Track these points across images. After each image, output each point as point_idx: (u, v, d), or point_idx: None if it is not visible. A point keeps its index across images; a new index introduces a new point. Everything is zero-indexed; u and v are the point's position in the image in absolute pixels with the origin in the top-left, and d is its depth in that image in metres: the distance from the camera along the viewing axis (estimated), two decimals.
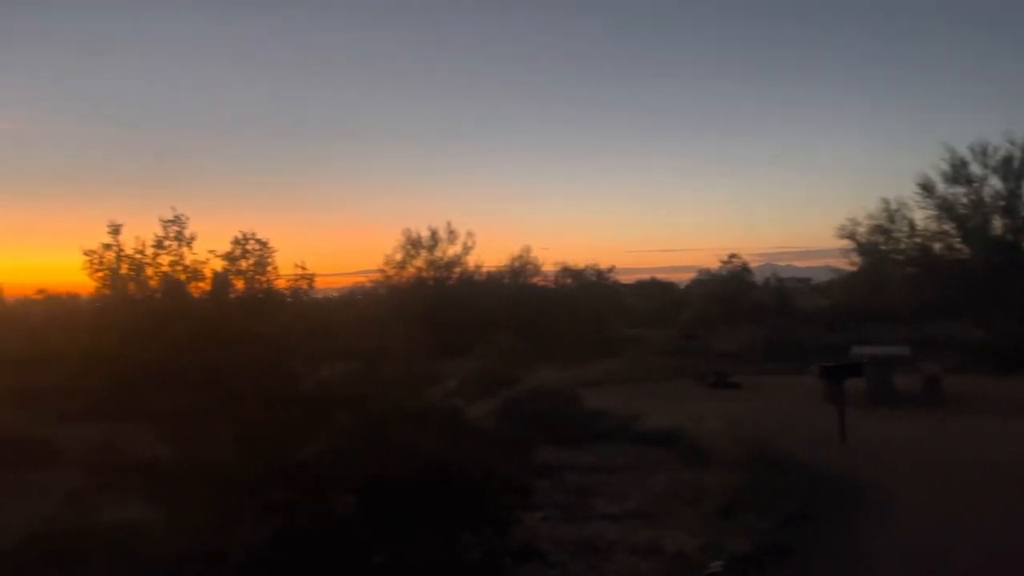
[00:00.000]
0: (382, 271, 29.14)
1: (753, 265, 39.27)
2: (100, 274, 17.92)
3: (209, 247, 18.11)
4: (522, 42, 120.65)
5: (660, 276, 52.53)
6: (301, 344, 13.13)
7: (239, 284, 18.27)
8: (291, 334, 13.27)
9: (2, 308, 38.66)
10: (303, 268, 18.78)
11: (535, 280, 32.84)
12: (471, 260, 29.89)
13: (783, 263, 79.53)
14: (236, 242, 18.24)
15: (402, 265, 28.56)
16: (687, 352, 25.56)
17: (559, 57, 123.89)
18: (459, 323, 24.54)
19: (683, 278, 50.04)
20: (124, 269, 17.84)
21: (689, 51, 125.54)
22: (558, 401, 14.00)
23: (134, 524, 6.01)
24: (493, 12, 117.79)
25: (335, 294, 37.72)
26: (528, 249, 32.57)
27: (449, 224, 29.12)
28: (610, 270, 37.61)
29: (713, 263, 38.36)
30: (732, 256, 36.38)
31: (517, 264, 31.97)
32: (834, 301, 34.22)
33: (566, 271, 35.26)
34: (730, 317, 30.16)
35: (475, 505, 6.67)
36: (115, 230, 17.52)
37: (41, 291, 34.18)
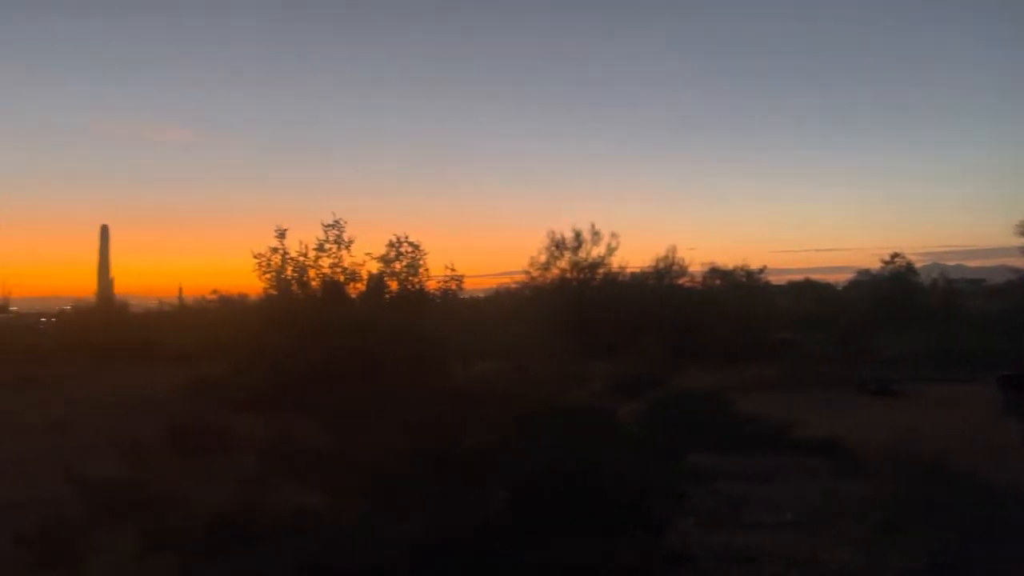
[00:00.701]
0: (527, 272, 29.43)
1: (918, 265, 36.81)
2: (267, 275, 19.23)
3: (366, 250, 19.08)
4: (664, 42, 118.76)
5: (815, 277, 50.23)
6: (454, 342, 13.50)
7: (393, 285, 19.09)
8: (444, 332, 13.67)
9: (182, 308, 42.25)
10: (452, 269, 19.44)
11: (681, 281, 32.15)
12: (615, 261, 29.66)
13: (952, 263, 73.76)
14: (390, 245, 19.11)
15: (546, 266, 28.73)
16: (845, 357, 24.24)
17: (701, 55, 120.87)
18: (603, 324, 24.44)
19: (840, 279, 47.72)
20: (289, 271, 19.06)
21: (848, 47, 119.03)
22: (707, 405, 13.66)
23: (306, 509, 6.40)
24: (633, 13, 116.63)
25: (481, 295, 38.59)
26: (674, 249, 31.95)
27: (593, 225, 29.03)
28: (761, 270, 36.26)
29: (873, 263, 36.23)
30: (895, 255, 34.24)
31: (662, 265, 31.42)
32: (1012, 304, 31.39)
33: (714, 272, 34.31)
34: (892, 320, 28.35)
35: (628, 508, 6.62)
36: (281, 234, 18.79)
37: (215, 292, 37.12)
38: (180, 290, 45.12)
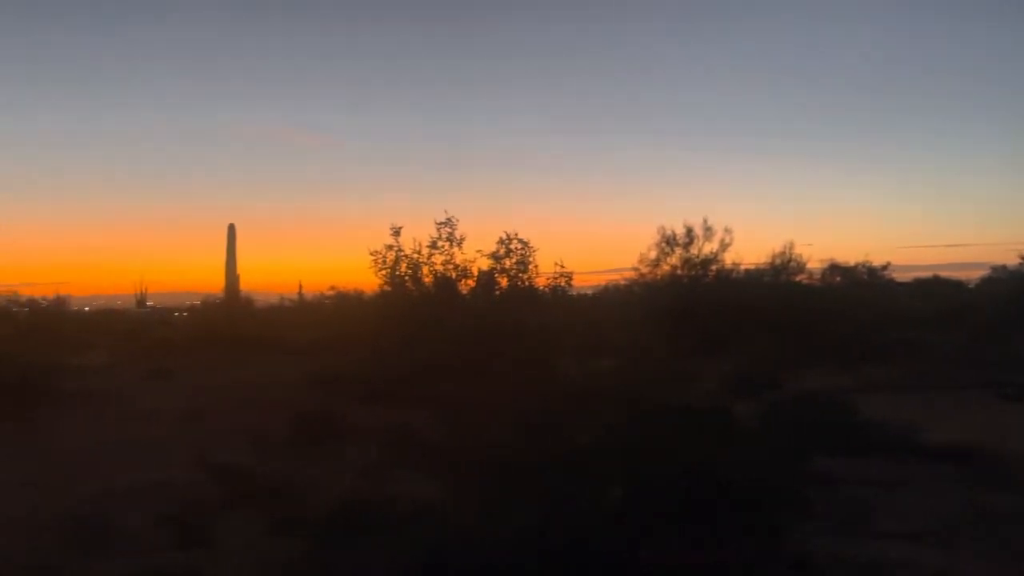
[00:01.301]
0: (636, 269, 29.01)
1: None
2: (383, 272, 19.75)
3: (477, 247, 19.30)
4: (778, 35, 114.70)
5: (944, 274, 47.31)
6: (565, 339, 13.49)
7: (503, 282, 19.23)
8: (555, 329, 13.68)
9: (301, 303, 44.05)
10: (562, 266, 19.40)
11: (799, 278, 30.96)
12: (728, 257, 28.83)
13: None
14: (500, 242, 19.24)
15: (656, 263, 28.21)
16: (979, 359, 22.71)
17: (818, 48, 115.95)
18: (716, 322, 23.85)
19: (972, 276, 44.85)
20: (403, 268, 19.51)
21: (975, 38, 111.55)
22: (829, 407, 13.09)
23: (424, 501, 6.54)
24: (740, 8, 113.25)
25: (589, 292, 38.39)
26: (790, 245, 30.79)
27: (705, 220, 28.31)
28: (884, 267, 34.48)
29: (1010, 259, 33.75)
30: None
31: (778, 261, 30.34)
32: None
33: (834, 268, 32.87)
34: None
35: (747, 510, 6.43)
36: (396, 232, 19.24)
37: (332, 288, 38.51)
38: (300, 286, 47.03)
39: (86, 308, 57.69)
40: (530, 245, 19.12)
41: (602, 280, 41.23)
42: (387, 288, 19.88)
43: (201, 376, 20.94)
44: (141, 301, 56.42)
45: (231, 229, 38.13)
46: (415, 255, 19.20)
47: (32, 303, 39.16)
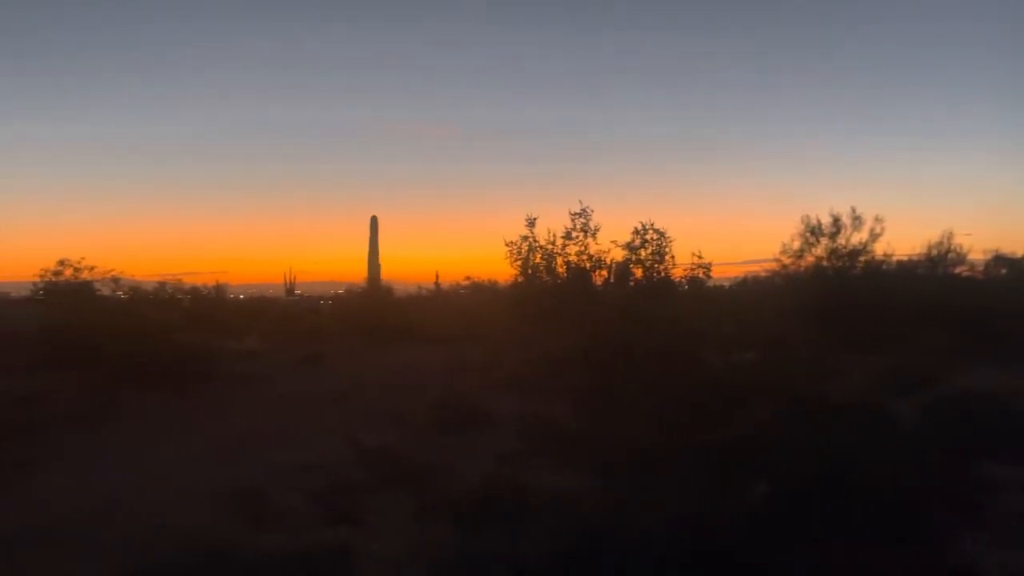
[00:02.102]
0: (777, 260, 27.88)
1: None
2: (517, 263, 19.96)
3: (611, 237, 19.16)
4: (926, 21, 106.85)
5: None
6: (703, 331, 13.17)
7: (638, 272, 19.00)
8: (693, 321, 13.38)
9: (438, 293, 45.21)
10: (699, 256, 18.94)
11: (958, 270, 28.85)
12: (879, 248, 27.19)
13: None
14: (636, 232, 19.01)
15: (800, 254, 27.01)
16: None
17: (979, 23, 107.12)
18: (865, 316, 22.58)
19: None
20: (537, 258, 19.64)
21: None
22: (992, 408, 12.12)
23: (565, 490, 6.57)
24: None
25: (726, 284, 37.27)
26: (949, 235, 28.73)
27: (854, 209, 26.81)
28: None
29: None
30: None
31: (935, 252, 28.39)
32: None
33: (999, 260, 30.44)
34: None
35: (904, 515, 6.07)
36: (531, 223, 19.39)
37: (468, 278, 39.34)
38: (437, 276, 48.24)
39: (241, 296, 61.54)
40: (666, 235, 18.81)
41: (741, 272, 39.89)
42: (521, 279, 20.08)
43: (346, 361, 21.90)
44: (290, 289, 59.70)
45: (373, 221, 39.65)
46: (549, 246, 19.29)
47: (194, 291, 42.14)
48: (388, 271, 42.17)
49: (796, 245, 26.86)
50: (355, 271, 53.54)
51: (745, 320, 18.16)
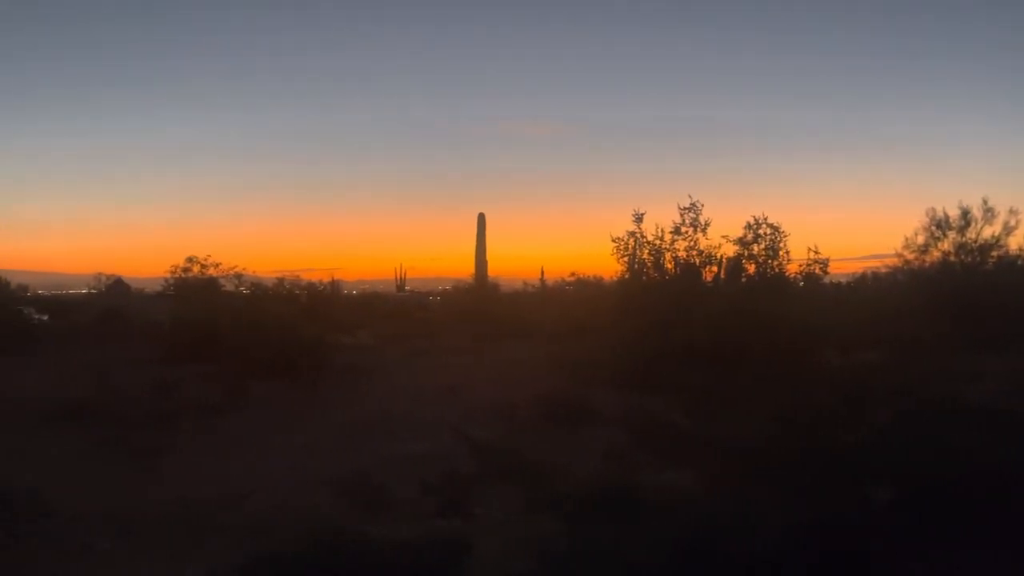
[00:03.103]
0: (900, 255, 26.49)
1: None
2: (624, 259, 19.75)
3: (722, 232, 18.68)
4: None
5: None
6: (820, 329, 12.68)
7: (750, 268, 18.46)
8: (809, 318, 12.90)
9: (543, 289, 45.37)
10: (816, 252, 18.22)
11: None
12: (1013, 242, 25.40)
13: None
14: (748, 227, 18.47)
15: (924, 249, 25.58)
16: None
17: None
18: (996, 315, 21.16)
19: None
20: (645, 254, 19.37)
21: None
22: None
23: (677, 488, 6.47)
24: None
25: (844, 280, 35.71)
26: None
27: (985, 201, 25.16)
28: None
29: None
30: None
31: None
32: None
33: None
34: None
35: None
36: (638, 218, 19.14)
37: (573, 274, 39.28)
38: (542, 272, 48.43)
39: (354, 292, 63.61)
40: (780, 230, 18.19)
41: (860, 268, 38.02)
42: (628, 275, 19.86)
43: (454, 355, 22.31)
44: (400, 286, 61.26)
45: (481, 218, 40.19)
46: (657, 241, 18.99)
47: (311, 286, 43.84)
48: (495, 268, 42.68)
49: (920, 240, 25.47)
50: (463, 268, 54.40)
51: (865, 318, 17.34)
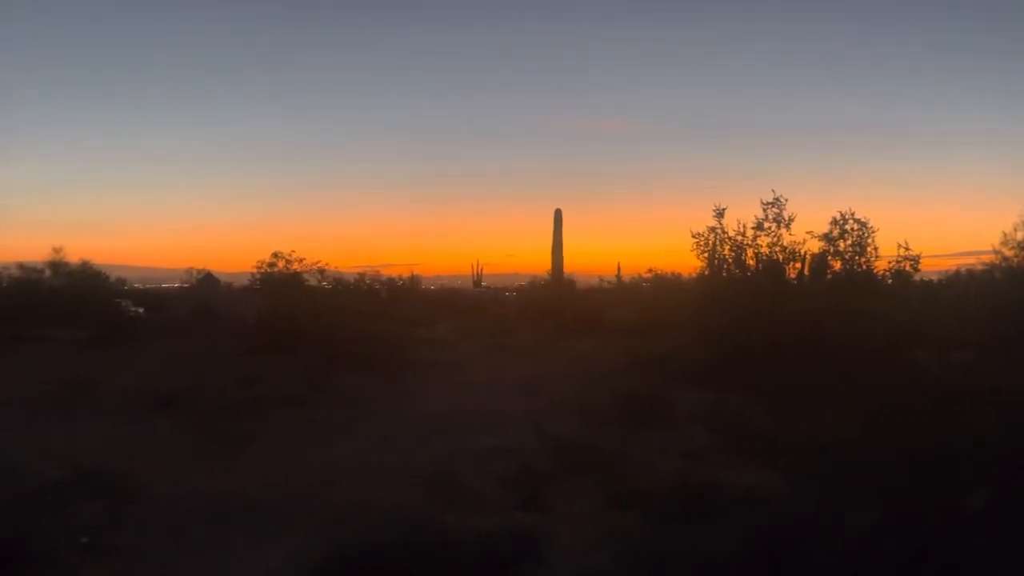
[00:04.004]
0: (997, 252, 25.23)
1: None
2: (704, 255, 19.43)
3: (806, 228, 18.17)
4: None
5: None
6: (911, 327, 12.19)
7: (836, 265, 17.90)
8: (899, 316, 12.42)
9: (619, 285, 45.01)
10: (907, 248, 17.53)
11: None
12: None
13: None
14: (834, 222, 17.91)
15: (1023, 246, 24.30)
16: None
17: None
18: None
19: None
20: (725, 250, 19.01)
21: None
22: None
23: (755, 486, 6.34)
24: None
25: (935, 277, 34.18)
26: None
27: None
28: None
29: None
30: None
31: None
32: None
33: None
34: None
35: None
36: (719, 213, 18.79)
37: (650, 271, 38.80)
38: (618, 268, 47.99)
39: (431, 287, 64.47)
40: (868, 225, 17.59)
41: (952, 264, 36.34)
42: (707, 271, 19.55)
43: (531, 351, 22.37)
44: (477, 281, 61.78)
45: (558, 214, 40.10)
46: (739, 237, 18.62)
47: (390, 282, 44.68)
48: (571, 263, 42.54)
49: (1021, 236, 24.19)
50: (539, 264, 54.49)
51: (959, 317, 16.57)
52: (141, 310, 41.54)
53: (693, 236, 19.12)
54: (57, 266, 42.54)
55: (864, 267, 17.47)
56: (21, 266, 42.86)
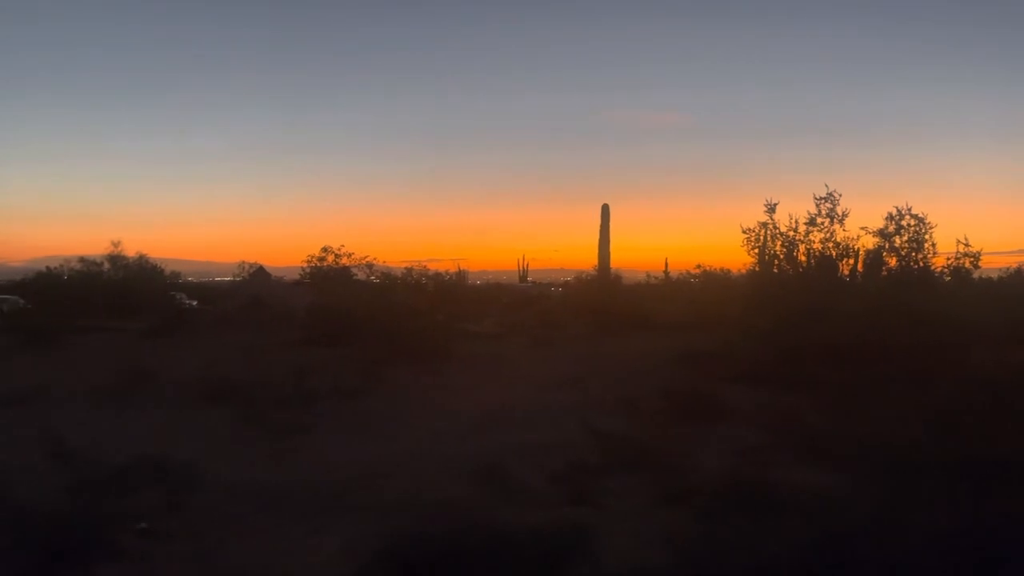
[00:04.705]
0: None
1: None
2: (754, 251, 19.17)
3: (861, 223, 17.81)
4: None
5: None
6: (974, 326, 11.85)
7: (891, 261, 17.51)
8: (959, 315, 12.09)
9: (667, 281, 44.64)
10: (966, 244, 17.07)
11: None
12: None
13: None
14: (890, 218, 17.51)
15: None
16: None
17: None
18: None
19: None
20: (777, 246, 18.73)
21: None
22: None
23: (810, 486, 6.23)
24: None
25: (995, 275, 33.15)
26: None
27: None
28: None
29: None
30: None
31: None
32: None
33: None
34: None
35: None
36: (771, 209, 18.51)
37: (698, 266, 38.45)
38: (666, 264, 47.62)
39: (478, 282, 64.76)
40: (926, 221, 17.17)
41: (1014, 262, 35.20)
42: (758, 267, 19.29)
43: (578, 346, 22.31)
44: (523, 276, 61.83)
45: (605, 209, 39.85)
46: (790, 233, 18.33)
47: (437, 276, 44.97)
48: (618, 259, 42.28)
49: None
50: (585, 259, 54.36)
51: (1019, 316, 16.07)
52: (195, 303, 42.55)
53: (744, 232, 18.91)
54: (115, 260, 43.85)
55: (921, 264, 17.06)
56: (82, 260, 44.28)
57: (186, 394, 14.01)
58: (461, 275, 49.57)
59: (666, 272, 46.47)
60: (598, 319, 28.15)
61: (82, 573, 5.67)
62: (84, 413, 12.52)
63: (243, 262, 47.02)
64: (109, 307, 34.05)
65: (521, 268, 62.68)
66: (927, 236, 17.12)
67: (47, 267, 46.85)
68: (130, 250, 44.98)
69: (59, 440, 9.92)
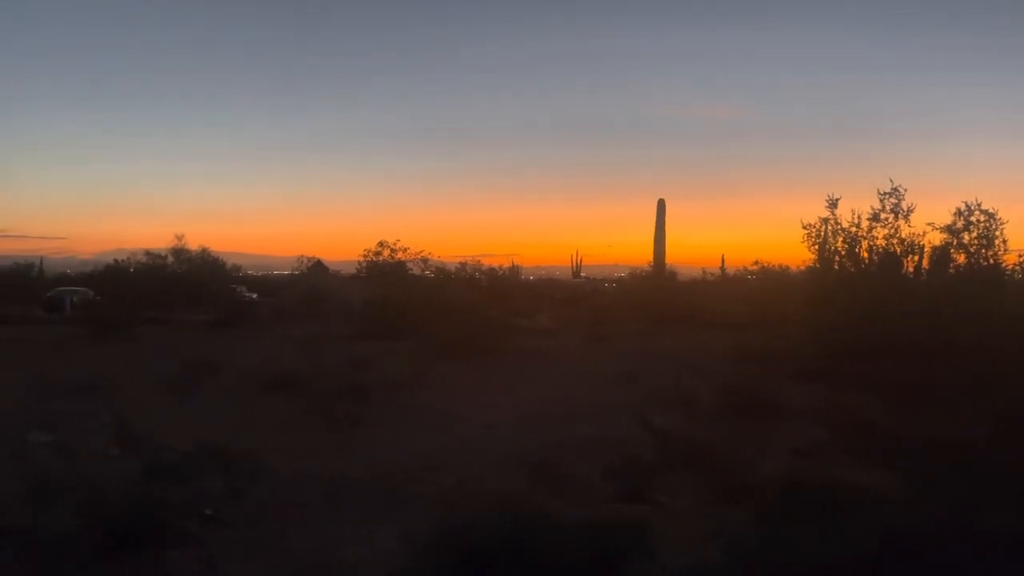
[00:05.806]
0: None
1: None
2: (815, 247, 18.74)
3: (927, 219, 17.26)
4: None
5: None
6: None
7: (960, 258, 16.95)
8: None
9: (723, 277, 43.96)
10: None
11: None
12: None
13: None
14: (958, 213, 16.93)
15: None
16: None
17: None
18: None
19: None
20: (839, 242, 18.27)
21: None
22: None
23: (873, 487, 6.09)
24: None
25: None
26: None
27: None
28: None
29: None
30: None
31: None
32: None
33: None
34: None
35: None
36: (833, 204, 18.05)
37: (756, 263, 37.75)
38: (723, 260, 46.91)
39: (531, 277, 64.81)
40: (996, 216, 16.54)
41: None
42: (818, 264, 18.87)
43: (632, 342, 22.16)
44: (576, 272, 61.65)
45: (661, 205, 39.44)
46: (852, 229, 17.87)
47: (490, 271, 45.13)
48: (673, 255, 41.82)
49: None
50: (639, 255, 53.96)
51: None
52: (255, 295, 43.53)
53: (804, 227, 18.51)
54: (179, 253, 45.14)
55: (991, 261, 16.46)
56: (148, 253, 45.70)
57: (248, 385, 14.36)
58: (514, 270, 49.66)
59: (723, 268, 45.76)
60: (652, 315, 27.90)
61: (152, 557, 5.87)
62: (151, 402, 12.94)
63: (301, 256, 47.96)
64: (175, 299, 35.08)
65: (574, 264, 62.49)
66: (998, 232, 16.51)
67: (115, 260, 48.48)
68: (193, 243, 46.27)
69: (128, 428, 10.29)
